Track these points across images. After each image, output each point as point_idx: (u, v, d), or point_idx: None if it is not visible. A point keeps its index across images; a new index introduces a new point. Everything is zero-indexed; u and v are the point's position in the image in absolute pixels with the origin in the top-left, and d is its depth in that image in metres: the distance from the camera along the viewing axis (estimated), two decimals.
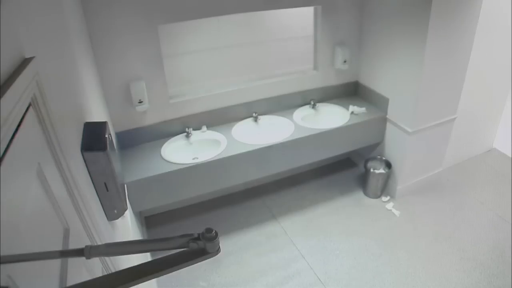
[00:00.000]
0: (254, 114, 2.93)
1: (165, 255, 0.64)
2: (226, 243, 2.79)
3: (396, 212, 3.05)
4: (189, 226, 2.99)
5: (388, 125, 3.08)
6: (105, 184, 1.26)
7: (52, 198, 0.82)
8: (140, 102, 2.47)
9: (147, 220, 3.06)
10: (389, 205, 3.12)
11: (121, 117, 2.53)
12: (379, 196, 3.23)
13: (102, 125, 1.32)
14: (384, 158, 3.19)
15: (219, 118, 2.87)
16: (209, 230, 0.63)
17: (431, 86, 2.72)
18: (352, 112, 3.02)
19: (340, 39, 3.06)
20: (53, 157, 0.87)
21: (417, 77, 2.64)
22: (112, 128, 2.36)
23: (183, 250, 0.64)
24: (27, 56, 0.76)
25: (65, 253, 0.79)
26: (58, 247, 0.82)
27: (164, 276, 0.72)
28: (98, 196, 1.27)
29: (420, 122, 2.85)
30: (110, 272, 1.18)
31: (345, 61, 3.07)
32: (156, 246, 0.67)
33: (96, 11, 2.17)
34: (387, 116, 3.04)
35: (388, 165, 3.14)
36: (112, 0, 2.19)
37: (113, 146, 1.51)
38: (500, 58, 3.19)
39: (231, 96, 2.87)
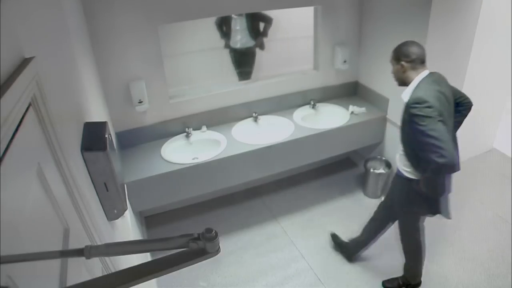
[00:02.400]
0: (254, 114, 2.92)
1: (165, 255, 0.64)
2: (226, 243, 2.79)
3: None
4: (189, 226, 2.99)
5: (388, 125, 3.08)
6: (105, 184, 1.26)
7: (52, 198, 0.82)
8: (140, 102, 2.47)
9: (147, 220, 3.06)
10: None
11: (121, 117, 2.53)
12: (379, 196, 3.23)
13: (102, 125, 1.32)
14: (384, 158, 3.19)
15: (219, 118, 2.87)
16: (209, 230, 0.63)
17: None
18: (352, 112, 3.02)
19: (340, 39, 3.06)
20: (53, 157, 0.87)
21: None
22: (112, 128, 2.36)
23: (183, 250, 0.64)
24: (27, 56, 0.76)
25: (65, 253, 0.79)
26: (58, 247, 0.82)
27: (164, 276, 0.72)
28: (98, 196, 1.27)
29: None
30: (110, 272, 1.18)
31: (345, 61, 3.07)
32: (156, 246, 0.67)
33: (96, 11, 2.17)
34: (387, 116, 3.04)
35: (388, 165, 3.14)
36: (112, 0, 2.19)
37: (113, 146, 1.51)
38: (500, 58, 3.19)
39: (231, 96, 2.87)
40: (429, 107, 1.64)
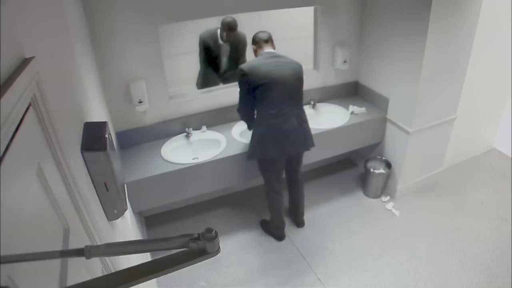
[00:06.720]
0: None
1: (165, 255, 0.64)
2: (226, 243, 2.79)
3: (396, 212, 3.05)
4: (189, 226, 2.99)
5: (388, 125, 3.08)
6: (105, 184, 1.26)
7: (52, 198, 0.82)
8: (140, 102, 2.47)
9: (147, 220, 3.06)
10: (389, 205, 3.12)
11: (121, 117, 2.53)
12: (379, 196, 3.23)
13: (102, 125, 1.32)
14: (384, 158, 3.19)
15: (219, 118, 2.87)
16: (209, 230, 0.63)
17: (431, 86, 2.72)
18: (352, 112, 3.02)
19: (340, 39, 3.06)
20: (53, 157, 0.87)
21: (417, 77, 2.64)
22: (112, 128, 2.36)
23: (183, 250, 0.64)
24: (27, 56, 0.76)
25: (65, 253, 0.79)
26: (58, 247, 0.82)
27: (164, 276, 0.72)
28: (98, 196, 1.27)
29: (420, 122, 2.85)
30: (110, 272, 1.18)
31: (345, 61, 3.07)
32: (156, 246, 0.67)
33: (96, 10, 2.17)
34: (387, 116, 3.04)
35: (388, 165, 3.14)
36: (112, 0, 2.19)
37: (113, 146, 1.51)
38: (500, 58, 3.19)
39: (231, 95, 2.87)
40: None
